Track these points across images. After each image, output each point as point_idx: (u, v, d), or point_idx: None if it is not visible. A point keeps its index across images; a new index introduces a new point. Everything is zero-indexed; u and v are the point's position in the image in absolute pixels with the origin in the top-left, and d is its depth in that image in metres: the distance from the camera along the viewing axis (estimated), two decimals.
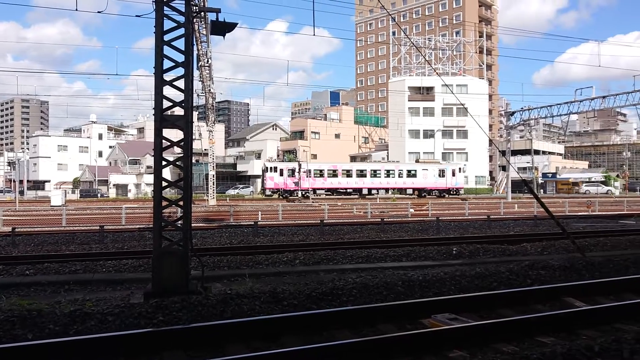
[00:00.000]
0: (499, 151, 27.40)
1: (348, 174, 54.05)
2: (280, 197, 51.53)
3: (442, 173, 55.94)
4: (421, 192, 55.45)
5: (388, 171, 55.37)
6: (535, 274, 9.26)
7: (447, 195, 54.54)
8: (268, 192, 53.44)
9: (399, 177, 55.35)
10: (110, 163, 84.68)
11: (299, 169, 50.87)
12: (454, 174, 56.17)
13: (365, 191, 53.82)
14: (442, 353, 5.38)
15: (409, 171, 55.92)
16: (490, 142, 65.30)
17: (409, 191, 56.28)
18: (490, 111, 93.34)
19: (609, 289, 8.28)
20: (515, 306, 7.32)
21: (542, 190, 70.64)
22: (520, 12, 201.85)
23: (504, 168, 69.49)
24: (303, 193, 51.34)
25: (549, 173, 76.95)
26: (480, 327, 5.96)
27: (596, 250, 13.54)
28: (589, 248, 13.49)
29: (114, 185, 71.71)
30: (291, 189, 51.97)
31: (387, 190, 55.17)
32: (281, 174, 52.14)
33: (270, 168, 52.57)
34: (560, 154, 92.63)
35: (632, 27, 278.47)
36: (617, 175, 78.65)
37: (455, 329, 5.81)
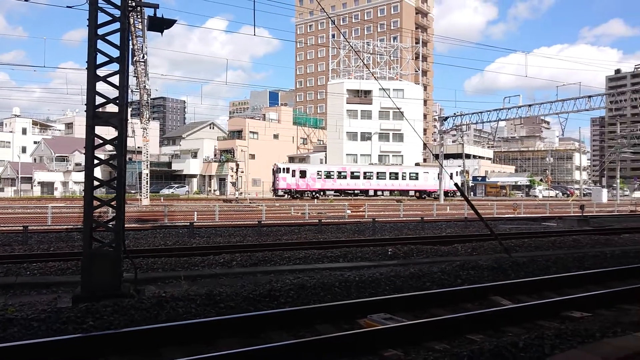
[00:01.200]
0: (433, 155, 28.51)
1: (356, 176, 55.82)
2: (292, 197, 52.63)
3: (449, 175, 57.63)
4: (422, 194, 57.40)
5: (392, 174, 57.64)
6: (465, 274, 9.65)
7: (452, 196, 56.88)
8: (280, 193, 54.25)
9: (402, 179, 57.76)
10: (35, 159, 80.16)
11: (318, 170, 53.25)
12: (451, 177, 57.80)
13: (371, 192, 55.68)
14: (378, 352, 5.49)
15: (411, 174, 58.54)
16: (425, 145, 67.35)
17: (411, 193, 58.29)
18: (425, 116, 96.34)
19: (532, 288, 8.75)
20: (447, 305, 7.59)
21: (472, 193, 73.64)
22: (452, 22, 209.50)
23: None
24: (313, 194, 52.95)
25: (479, 176, 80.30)
26: (413, 326, 6.12)
27: (521, 250, 14.27)
28: (514, 249, 14.19)
29: (38, 183, 67.98)
30: (302, 190, 53.74)
31: (391, 192, 57.07)
32: (293, 175, 53.74)
33: (283, 169, 54.06)
34: (490, 159, 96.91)
35: (556, 40, 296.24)
36: (541, 180, 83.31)
37: (390, 329, 5.94)
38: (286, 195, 53.82)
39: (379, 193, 56.41)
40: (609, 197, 62.03)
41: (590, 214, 33.44)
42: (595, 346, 4.97)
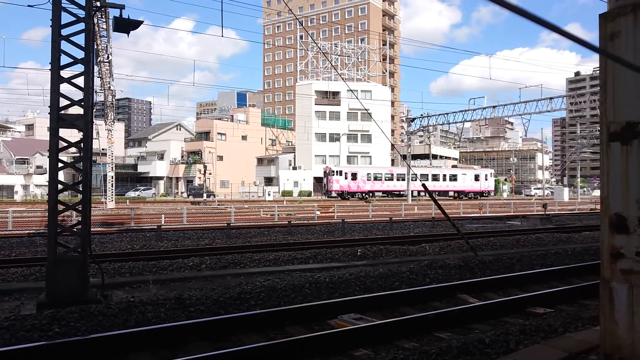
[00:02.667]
0: (400, 155, 28.91)
1: (402, 178, 57.83)
2: (343, 198, 55.02)
3: (477, 177, 62.30)
4: (459, 194, 59.98)
5: (434, 176, 60.68)
6: (433, 273, 9.82)
7: (479, 197, 59.93)
8: (333, 194, 56.23)
9: (443, 180, 60.97)
10: None
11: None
12: (486, 178, 62.58)
13: (415, 193, 56.99)
14: (348, 352, 5.55)
15: (451, 175, 62.06)
16: (393, 146, 68.00)
17: (450, 193, 61.14)
18: (392, 117, 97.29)
19: (498, 286, 8.98)
20: (416, 304, 7.72)
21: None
22: (417, 25, 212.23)
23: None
24: (362, 195, 55.39)
25: None
26: (383, 325, 6.21)
27: (487, 249, 14.60)
28: (480, 247, 14.51)
29: None
30: (353, 191, 56.18)
31: (433, 193, 57.09)
32: (345, 177, 56.38)
33: (336, 171, 56.66)
34: (456, 159, 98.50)
35: (517, 43, 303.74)
36: (505, 179, 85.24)
37: (360, 329, 6.02)
38: (338, 197, 55.81)
39: (422, 194, 58.26)
40: (570, 195, 64.11)
41: (553, 212, 34.44)
42: (557, 340, 5.15)
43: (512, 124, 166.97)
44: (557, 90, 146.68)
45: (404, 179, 58.15)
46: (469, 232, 19.10)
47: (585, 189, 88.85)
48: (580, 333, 5.44)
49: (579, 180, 69.62)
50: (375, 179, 58.29)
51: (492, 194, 64.18)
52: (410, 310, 7.36)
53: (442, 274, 9.83)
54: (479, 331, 6.27)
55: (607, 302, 4.26)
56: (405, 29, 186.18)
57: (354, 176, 56.72)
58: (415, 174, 57.65)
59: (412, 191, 57.37)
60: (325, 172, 58.29)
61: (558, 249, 14.01)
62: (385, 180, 58.89)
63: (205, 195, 50.94)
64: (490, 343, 5.33)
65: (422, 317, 6.62)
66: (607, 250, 4.25)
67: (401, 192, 58.17)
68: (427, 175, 60.18)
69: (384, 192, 58.90)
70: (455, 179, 61.82)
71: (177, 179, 73.85)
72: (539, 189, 79.90)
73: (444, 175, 61.67)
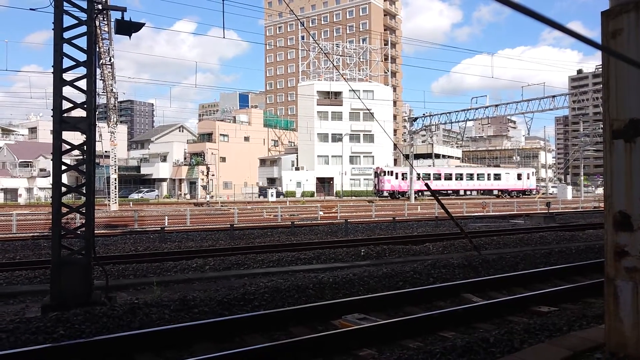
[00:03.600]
0: (403, 155, 28.88)
1: (449, 177, 61.39)
2: (393, 197, 57.33)
3: (519, 176, 64.16)
4: (503, 192, 62.10)
5: (479, 175, 63.63)
6: (437, 273, 9.81)
7: (521, 195, 62.04)
8: (385, 194, 58.34)
9: (488, 179, 63.52)
10: None
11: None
12: (528, 177, 64.68)
13: (462, 192, 60.75)
14: (352, 352, 5.56)
15: (495, 175, 64.34)
16: (395, 146, 68.04)
17: (495, 192, 63.74)
18: (394, 116, 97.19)
19: (502, 284, 8.97)
20: (420, 304, 7.72)
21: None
22: (418, 25, 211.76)
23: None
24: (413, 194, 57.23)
25: None
26: (387, 325, 6.21)
27: (490, 248, 14.57)
28: (484, 246, 14.48)
29: (1, 189, 65.95)
30: (404, 191, 57.49)
31: (478, 191, 62.02)
32: (396, 177, 58.74)
33: (387, 172, 59.03)
34: (459, 158, 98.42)
35: (519, 42, 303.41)
36: None
37: (364, 329, 6.02)
38: (389, 197, 57.78)
39: (468, 193, 61.69)
40: (573, 194, 64.19)
41: (556, 210, 34.35)
42: (562, 339, 5.14)
43: (514, 122, 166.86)
44: (559, 88, 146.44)
45: (450, 178, 61.59)
46: (473, 231, 19.06)
47: (589, 186, 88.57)
48: (585, 331, 5.43)
49: (582, 178, 69.46)
50: (425, 178, 59.86)
51: (534, 192, 65.89)
52: (414, 310, 7.36)
53: (446, 274, 9.81)
54: (483, 330, 6.26)
55: (612, 300, 4.26)
56: (406, 28, 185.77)
57: (404, 176, 58.42)
58: (424, 173, 60.79)
59: (465, 190, 62.39)
60: (376, 172, 60.39)
61: (562, 247, 13.97)
62: (435, 179, 60.89)
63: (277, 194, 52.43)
64: (494, 342, 5.32)
65: (426, 317, 6.62)
66: (611, 248, 4.24)
67: (448, 191, 61.28)
68: (473, 174, 63.30)
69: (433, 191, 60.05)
70: (499, 178, 64.03)
71: (180, 180, 73.94)
72: (543, 186, 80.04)
73: (489, 175, 64.12)
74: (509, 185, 63.82)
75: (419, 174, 58.36)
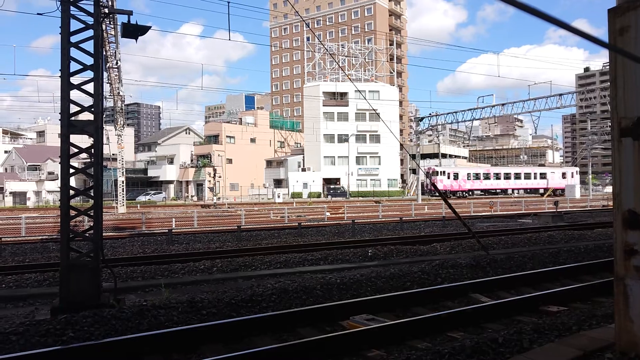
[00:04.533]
0: (409, 155, 28.79)
1: (497, 176, 63.62)
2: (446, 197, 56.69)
3: (564, 175, 66.43)
4: (547, 191, 64.12)
5: (526, 174, 65.79)
6: (445, 273, 9.78)
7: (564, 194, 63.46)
8: (437, 194, 58.88)
9: (534, 178, 65.71)
10: (5, 169, 78.38)
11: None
12: (572, 176, 66.80)
13: (510, 191, 62.82)
14: (361, 353, 5.55)
15: (541, 174, 66.80)
16: (401, 146, 67.94)
17: (540, 190, 65.62)
18: (400, 117, 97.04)
19: (510, 284, 8.93)
20: (428, 304, 7.69)
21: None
22: (423, 25, 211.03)
23: (414, 171, 72.49)
24: (463, 193, 59.88)
25: None
26: (395, 326, 6.20)
27: (498, 248, 14.50)
28: (492, 246, 14.42)
29: (10, 193, 66.47)
30: (455, 190, 60.15)
31: (525, 190, 64.11)
32: (448, 177, 60.57)
33: (440, 172, 60.76)
34: (465, 157, 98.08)
35: (524, 41, 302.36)
36: None
37: (372, 330, 6.01)
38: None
39: (515, 191, 63.50)
40: (581, 192, 64.21)
41: (564, 209, 34.16)
42: (572, 339, 5.11)
43: (521, 121, 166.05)
44: (566, 86, 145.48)
45: (499, 178, 63.61)
46: (480, 231, 18.99)
47: (596, 185, 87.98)
48: (594, 331, 5.39)
49: (590, 176, 69.11)
50: (475, 178, 62.71)
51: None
52: (422, 311, 7.34)
53: (454, 274, 9.78)
54: (492, 330, 6.24)
55: (622, 300, 4.23)
56: (411, 29, 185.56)
57: (456, 176, 61.04)
58: (474, 173, 63.45)
59: (512, 189, 64.43)
60: (428, 172, 61.71)
61: (570, 246, 13.88)
62: (484, 179, 63.26)
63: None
64: (503, 342, 5.30)
65: (434, 317, 6.59)
66: (620, 247, 4.21)
67: (496, 190, 63.49)
68: (520, 173, 65.23)
69: (482, 190, 63.38)
70: (545, 177, 66.20)
71: (187, 182, 74.17)
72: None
73: (535, 174, 66.38)
74: (554, 184, 65.40)
75: (468, 174, 62.55)
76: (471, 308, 7.05)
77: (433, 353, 5.06)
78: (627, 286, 4.18)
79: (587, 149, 72.55)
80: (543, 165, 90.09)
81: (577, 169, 71.65)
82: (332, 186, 69.80)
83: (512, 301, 7.53)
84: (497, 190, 63.58)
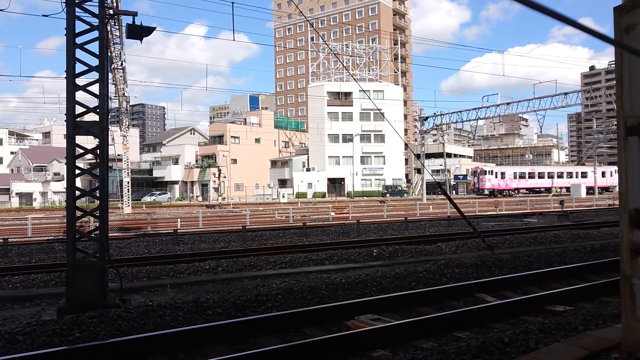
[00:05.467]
0: (414, 155, 28.64)
1: (541, 175, 66.09)
2: (493, 195, 59.99)
3: (603, 174, 68.40)
4: (588, 189, 64.69)
5: (568, 173, 68.06)
6: (450, 272, 9.75)
7: (604, 192, 66.75)
8: (485, 192, 62.17)
9: (576, 177, 67.45)
10: (12, 170, 78.78)
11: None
12: (611, 175, 68.93)
13: (553, 189, 65.34)
14: (366, 353, 5.54)
15: (582, 173, 68.90)
16: (406, 146, 67.87)
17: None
18: (405, 116, 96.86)
19: (516, 284, 8.89)
20: (433, 304, 7.68)
21: (454, 192, 74.30)
22: (426, 25, 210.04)
23: (419, 171, 72.45)
24: (510, 192, 62.25)
25: (460, 175, 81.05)
26: (401, 326, 6.18)
27: (504, 247, 14.46)
28: (497, 246, 14.37)
29: (16, 194, 66.81)
30: (502, 188, 62.42)
31: (567, 189, 64.98)
32: (496, 176, 62.59)
33: (488, 171, 63.35)
34: (470, 157, 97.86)
35: (528, 40, 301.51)
36: None
37: (378, 329, 6.00)
38: (489, 195, 61.07)
39: (558, 190, 65.44)
40: (562, 192, 65.04)
41: (570, 209, 34.00)
42: (578, 339, 5.08)
43: (526, 120, 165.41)
44: (571, 85, 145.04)
45: (543, 177, 65.63)
46: (485, 231, 18.94)
47: None
48: (601, 331, 5.37)
49: (595, 176, 68.90)
50: (521, 177, 64.59)
51: (617, 188, 67.34)
52: (427, 310, 7.33)
53: (459, 273, 9.76)
54: (498, 330, 6.22)
55: (628, 299, 4.20)
56: (415, 29, 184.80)
57: (503, 175, 63.02)
58: (520, 172, 65.64)
59: (554, 188, 66.15)
60: (475, 172, 64.92)
61: (576, 245, 13.82)
62: (529, 178, 65.03)
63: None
64: (509, 342, 5.28)
65: (440, 317, 6.58)
66: (626, 246, 4.19)
67: (540, 189, 65.28)
68: (563, 173, 67.47)
69: (527, 189, 65.13)
70: (586, 176, 67.75)
71: (192, 183, 74.35)
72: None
73: (577, 173, 68.44)
74: (593, 182, 66.48)
75: (515, 173, 64.75)
76: (477, 308, 7.03)
77: (439, 353, 5.05)
78: (633, 286, 4.15)
79: (592, 147, 72.28)
80: (555, 164, 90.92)
81: (617, 167, 72.42)
82: (388, 185, 71.68)
83: (518, 301, 7.50)
84: (542, 189, 65.46)
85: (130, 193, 38.78)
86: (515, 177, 63.98)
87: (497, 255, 11.70)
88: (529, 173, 65.90)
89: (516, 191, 63.64)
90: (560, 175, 67.36)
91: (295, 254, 13.38)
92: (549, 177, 66.55)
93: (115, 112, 36.99)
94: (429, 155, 73.55)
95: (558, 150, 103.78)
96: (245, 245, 16.20)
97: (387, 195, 64.98)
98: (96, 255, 7.65)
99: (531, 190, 65.39)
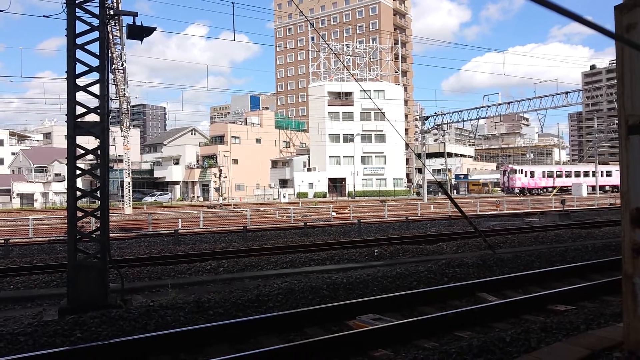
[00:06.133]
0: (415, 154, 28.67)
1: (568, 174, 68.27)
2: (523, 194, 61.59)
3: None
4: (613, 188, 67.20)
5: (594, 172, 68.04)
6: (451, 272, 9.75)
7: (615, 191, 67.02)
8: (516, 191, 63.64)
9: (601, 176, 68.03)
10: (13, 171, 78.82)
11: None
12: None
13: (590, 189, 65.58)
14: (367, 353, 5.53)
15: (607, 172, 70.41)
16: (407, 145, 67.75)
17: (607, 187, 69.28)
18: (406, 116, 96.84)
19: (517, 283, 8.89)
20: (435, 303, 7.67)
21: (455, 191, 74.26)
22: (426, 25, 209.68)
23: (420, 170, 72.36)
24: (539, 191, 64.19)
25: (461, 174, 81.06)
26: (402, 325, 6.18)
27: (505, 247, 14.45)
28: (498, 245, 14.36)
29: (17, 194, 66.84)
30: (531, 187, 64.30)
31: (593, 187, 66.09)
32: (526, 175, 64.56)
33: (517, 170, 65.11)
34: (471, 156, 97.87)
35: (528, 39, 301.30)
36: None
37: (379, 329, 5.99)
38: (520, 193, 62.47)
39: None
40: (588, 190, 64.07)
41: (571, 208, 33.97)
42: (579, 338, 5.08)
43: (527, 119, 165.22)
44: (571, 84, 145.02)
45: (570, 176, 67.26)
46: (487, 230, 18.92)
47: None
48: (602, 330, 5.36)
49: (597, 175, 68.93)
50: (549, 176, 66.77)
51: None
52: (429, 310, 7.32)
53: (461, 273, 9.75)
54: (500, 330, 6.21)
55: (630, 298, 4.19)
56: (415, 28, 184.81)
57: (532, 174, 65.00)
58: (549, 171, 67.33)
59: (588, 186, 66.04)
60: (505, 171, 66.50)
61: (578, 245, 13.81)
62: (557, 177, 67.11)
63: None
64: (511, 341, 5.28)
65: (441, 317, 6.57)
66: (628, 245, 4.18)
67: (569, 187, 64.50)
68: (589, 172, 68.55)
69: (555, 187, 66.40)
70: (610, 175, 69.60)
71: (193, 183, 74.36)
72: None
73: (601, 172, 68.98)
74: (618, 182, 67.30)
75: (543, 172, 66.54)
76: (478, 307, 7.02)
77: (440, 352, 5.04)
78: (635, 285, 4.15)
79: (593, 147, 72.21)
80: (559, 163, 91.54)
81: None
82: (156, 189, 70.34)
83: (520, 300, 7.49)
84: (569, 187, 65.79)
85: (131, 193, 38.77)
86: (544, 176, 65.89)
87: (498, 254, 11.69)
88: (557, 172, 67.91)
89: (545, 190, 65.21)
90: (586, 174, 68.96)
91: (296, 254, 13.38)
92: (575, 176, 68.25)
93: (116, 112, 37.02)
94: (429, 155, 73.55)
95: (559, 150, 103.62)
96: (247, 246, 16.20)
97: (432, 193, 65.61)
98: (97, 256, 7.65)
99: (559, 189, 66.53)
